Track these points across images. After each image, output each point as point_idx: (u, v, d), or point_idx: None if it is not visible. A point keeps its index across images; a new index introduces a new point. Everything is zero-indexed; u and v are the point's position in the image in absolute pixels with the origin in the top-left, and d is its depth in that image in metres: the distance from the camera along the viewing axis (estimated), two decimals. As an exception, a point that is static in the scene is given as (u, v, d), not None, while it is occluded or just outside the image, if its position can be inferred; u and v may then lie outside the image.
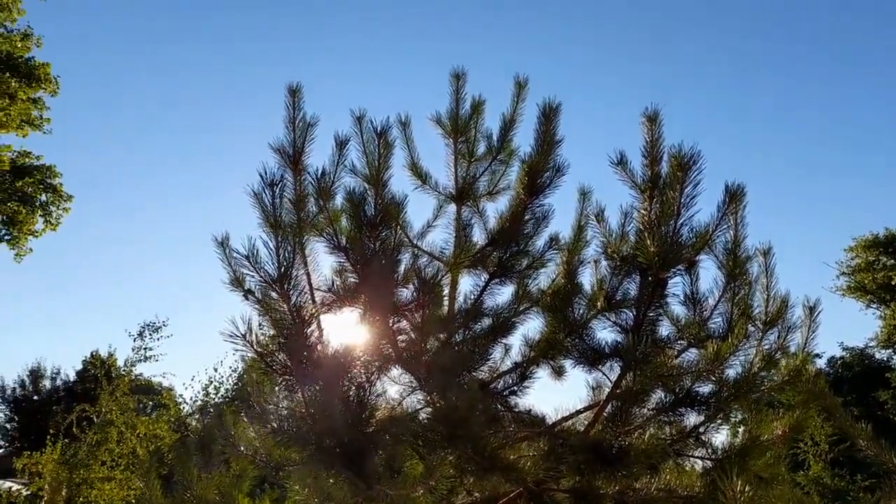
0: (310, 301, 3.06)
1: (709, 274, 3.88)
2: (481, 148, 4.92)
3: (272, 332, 2.83)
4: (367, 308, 3.06)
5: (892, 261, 25.53)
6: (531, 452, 3.26)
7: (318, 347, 2.87)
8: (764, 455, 3.64)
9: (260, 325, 3.09)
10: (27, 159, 16.78)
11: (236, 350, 2.70)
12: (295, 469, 3.01)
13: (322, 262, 3.87)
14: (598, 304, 3.38)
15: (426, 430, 2.99)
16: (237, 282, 3.40)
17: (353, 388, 2.94)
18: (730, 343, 3.11)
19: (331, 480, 2.79)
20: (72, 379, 32.90)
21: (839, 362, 26.21)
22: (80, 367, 31.61)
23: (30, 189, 16.59)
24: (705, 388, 3.56)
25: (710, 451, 3.57)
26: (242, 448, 3.44)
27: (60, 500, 11.47)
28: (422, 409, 3.36)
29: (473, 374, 3.64)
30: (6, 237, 16.94)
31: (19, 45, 16.13)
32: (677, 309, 3.97)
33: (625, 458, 2.73)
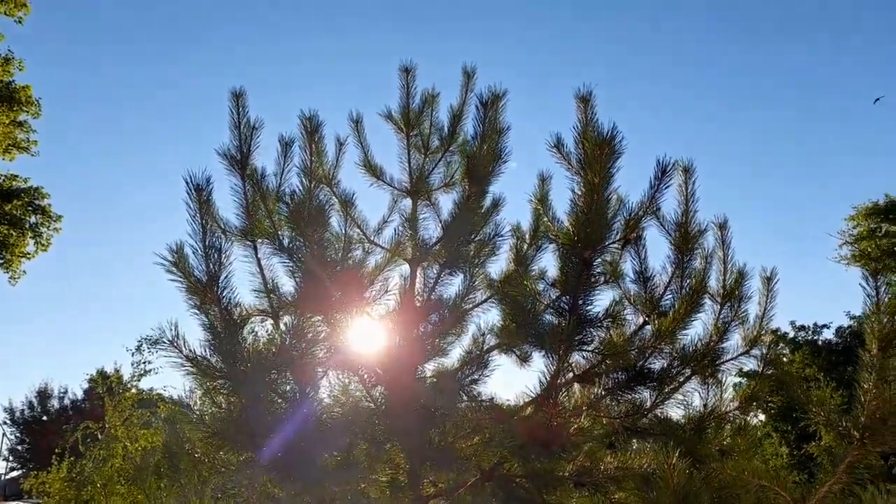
0: (250, 301, 3.08)
1: (664, 250, 3.88)
2: (435, 141, 4.91)
3: (205, 336, 2.84)
4: (307, 308, 3.07)
5: (895, 227, 25.34)
6: (480, 440, 3.26)
7: (253, 349, 2.88)
8: (721, 428, 3.64)
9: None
10: (14, 182, 16.86)
11: (165, 356, 2.71)
12: (231, 471, 3.03)
13: (271, 264, 3.91)
14: (529, 286, 3.37)
15: (372, 424, 2.99)
16: (194, 288, 3.41)
17: (294, 387, 2.95)
18: (671, 318, 3.09)
19: (270, 480, 2.80)
20: (79, 397, 33.11)
21: (847, 332, 26.09)
22: (87, 385, 31.82)
23: (18, 212, 16.67)
24: (658, 365, 3.56)
25: (666, 426, 3.57)
26: (199, 454, 3.45)
27: (69, 519, 11.55)
28: (376, 406, 3.37)
29: (425, 365, 3.64)
30: (-1, 261, 17.07)
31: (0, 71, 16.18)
32: (633, 287, 3.98)
33: (557, 439, 2.73)
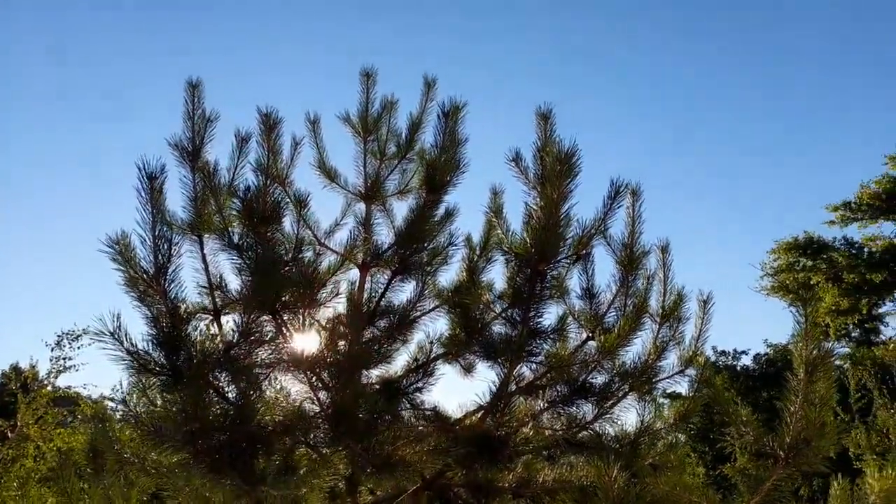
0: (192, 298, 2.98)
1: (608, 269, 4.01)
2: (392, 147, 4.91)
3: (147, 330, 2.73)
4: (255, 306, 3.00)
5: (811, 262, 26.83)
6: (425, 448, 3.26)
7: (199, 346, 2.79)
8: (655, 444, 3.77)
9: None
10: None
11: (104, 349, 2.59)
12: (162, 473, 2.91)
13: (217, 261, 3.81)
14: (484, 297, 3.42)
15: (314, 428, 2.94)
16: (133, 281, 3.27)
17: (237, 387, 2.87)
18: (616, 335, 3.19)
19: (205, 483, 2.71)
20: (-11, 394, 31.02)
21: (764, 358, 27.38)
22: (-2, 380, 29.83)
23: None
24: (599, 380, 3.66)
25: (604, 440, 3.66)
26: (128, 454, 3.30)
27: (-31, 522, 10.79)
28: (317, 409, 3.31)
29: (370, 371, 3.61)
30: None
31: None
32: (578, 303, 4.08)
33: (504, 448, 2.77)
